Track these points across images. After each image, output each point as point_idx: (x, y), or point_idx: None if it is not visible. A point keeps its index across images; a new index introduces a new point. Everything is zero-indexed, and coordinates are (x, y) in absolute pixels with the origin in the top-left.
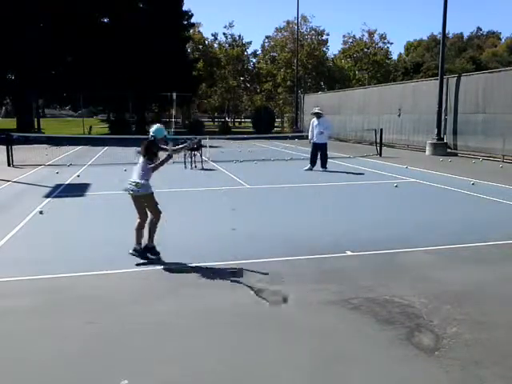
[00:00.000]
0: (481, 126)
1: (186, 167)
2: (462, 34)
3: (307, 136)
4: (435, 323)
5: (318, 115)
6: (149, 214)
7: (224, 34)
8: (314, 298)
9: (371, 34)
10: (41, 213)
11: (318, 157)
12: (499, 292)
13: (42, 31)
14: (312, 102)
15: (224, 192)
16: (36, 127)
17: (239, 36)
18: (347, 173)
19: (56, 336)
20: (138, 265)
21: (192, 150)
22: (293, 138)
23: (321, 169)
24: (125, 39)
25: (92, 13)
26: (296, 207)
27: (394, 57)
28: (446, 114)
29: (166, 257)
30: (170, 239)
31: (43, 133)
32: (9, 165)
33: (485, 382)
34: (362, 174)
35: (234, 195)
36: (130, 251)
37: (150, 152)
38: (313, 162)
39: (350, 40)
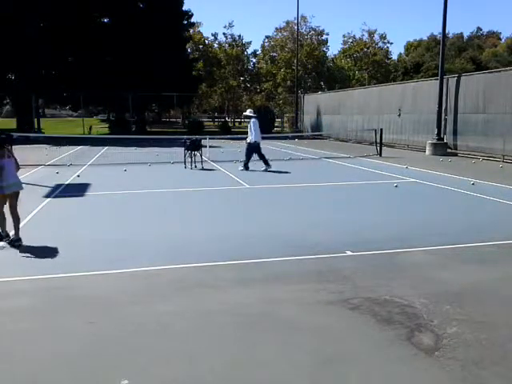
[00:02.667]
0: (481, 126)
1: (185, 167)
2: (461, 34)
3: (308, 136)
4: (435, 323)
5: (249, 117)
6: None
7: (224, 33)
8: (313, 297)
9: (371, 33)
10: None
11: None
12: (499, 292)
13: (42, 31)
14: (312, 101)
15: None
16: (36, 127)
17: (239, 36)
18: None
19: (56, 336)
20: None
21: (192, 149)
22: (293, 137)
23: (262, 168)
24: (125, 39)
25: (92, 13)
26: (296, 207)
27: (394, 57)
28: (446, 114)
29: (166, 257)
30: (170, 239)
31: (43, 133)
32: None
33: (485, 381)
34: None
35: (233, 195)
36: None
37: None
38: (264, 162)
39: (350, 40)
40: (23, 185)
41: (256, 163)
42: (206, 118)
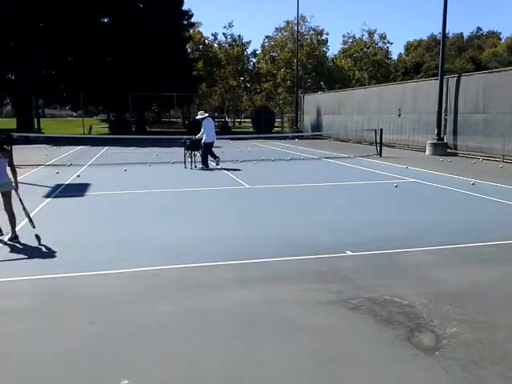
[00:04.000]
0: (481, 126)
1: (185, 167)
2: (461, 34)
3: (308, 136)
4: (435, 323)
5: (201, 120)
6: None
7: (224, 34)
8: (314, 297)
9: (371, 33)
10: None
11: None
12: (499, 292)
13: (42, 31)
14: (312, 101)
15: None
16: (36, 127)
17: (239, 36)
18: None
19: (56, 336)
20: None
21: (192, 149)
22: (293, 137)
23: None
24: (125, 39)
25: (92, 13)
26: (296, 207)
27: (394, 57)
28: (446, 114)
29: (166, 257)
30: (170, 239)
31: (43, 133)
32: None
33: (485, 382)
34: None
35: (233, 195)
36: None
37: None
38: (203, 161)
39: (350, 40)
40: (25, 185)
41: (256, 163)
42: None
